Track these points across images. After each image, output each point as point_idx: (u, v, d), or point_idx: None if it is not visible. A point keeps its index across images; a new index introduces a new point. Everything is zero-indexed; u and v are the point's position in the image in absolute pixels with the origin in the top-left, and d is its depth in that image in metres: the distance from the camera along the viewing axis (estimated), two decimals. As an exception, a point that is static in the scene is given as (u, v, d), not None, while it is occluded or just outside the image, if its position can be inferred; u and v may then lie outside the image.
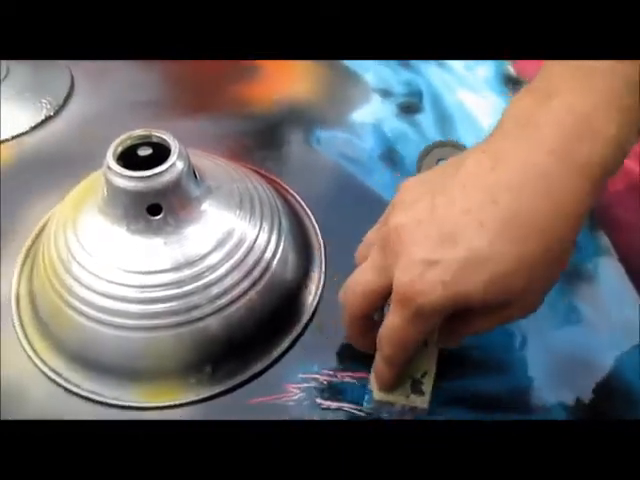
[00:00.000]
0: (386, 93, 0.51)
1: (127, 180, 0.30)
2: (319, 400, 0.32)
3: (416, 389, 0.31)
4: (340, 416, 0.32)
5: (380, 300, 0.29)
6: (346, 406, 0.32)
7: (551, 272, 0.28)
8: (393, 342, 0.28)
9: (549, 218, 0.27)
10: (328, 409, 0.32)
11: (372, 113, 0.49)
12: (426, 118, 0.49)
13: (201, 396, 0.32)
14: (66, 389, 0.33)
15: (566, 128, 0.27)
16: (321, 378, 0.33)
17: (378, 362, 0.30)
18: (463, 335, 0.31)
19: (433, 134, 0.47)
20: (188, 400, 0.32)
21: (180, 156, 0.32)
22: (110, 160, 0.31)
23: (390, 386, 0.30)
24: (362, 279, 0.29)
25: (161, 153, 0.32)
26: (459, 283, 0.26)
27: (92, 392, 0.32)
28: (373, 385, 0.31)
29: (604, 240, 0.40)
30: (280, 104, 0.49)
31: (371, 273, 0.29)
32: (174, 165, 0.31)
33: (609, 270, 0.39)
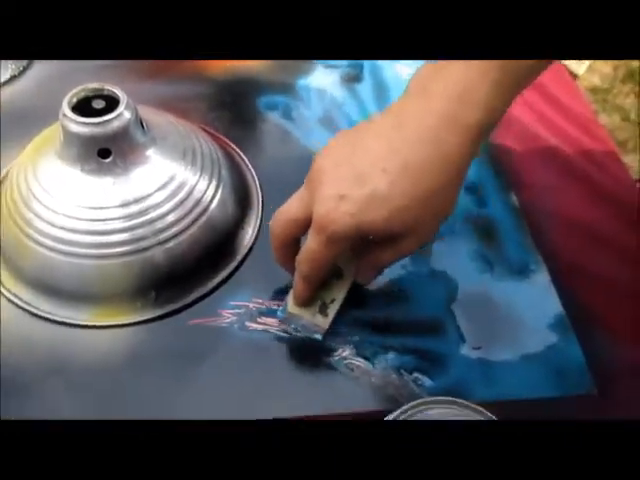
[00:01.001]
0: (330, 63, 0.55)
1: (80, 126, 0.35)
2: (248, 323, 0.38)
3: (322, 311, 0.37)
4: (265, 337, 0.37)
5: (301, 228, 0.35)
6: (270, 327, 0.37)
7: (439, 209, 0.34)
8: (309, 262, 0.34)
9: (438, 165, 0.32)
10: (255, 330, 0.37)
11: (316, 81, 0.54)
12: (365, 88, 0.54)
13: (145, 317, 0.37)
14: (27, 311, 0.37)
15: (452, 97, 0.32)
16: (251, 305, 0.38)
17: (296, 279, 0.36)
18: (373, 270, 0.36)
19: (370, 103, 0.52)
20: (133, 321, 0.37)
21: (128, 107, 0.36)
22: (65, 108, 0.35)
23: (302, 301, 0.36)
24: (287, 209, 0.35)
25: (113, 106, 0.37)
26: (363, 215, 0.32)
27: (49, 313, 0.37)
28: (289, 300, 0.37)
29: (513, 199, 0.46)
30: (233, 70, 0.53)
31: (295, 205, 0.35)
32: (122, 114, 0.36)
33: (512, 224, 0.44)
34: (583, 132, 0.53)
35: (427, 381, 0.36)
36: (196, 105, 0.50)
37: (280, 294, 0.39)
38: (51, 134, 0.39)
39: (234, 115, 0.50)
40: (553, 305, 0.41)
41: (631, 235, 0.45)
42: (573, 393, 0.37)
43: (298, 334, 0.37)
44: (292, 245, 0.36)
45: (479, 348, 0.38)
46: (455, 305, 0.40)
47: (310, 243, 0.33)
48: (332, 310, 0.37)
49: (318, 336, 0.37)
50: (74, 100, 0.36)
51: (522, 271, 0.42)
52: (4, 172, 0.43)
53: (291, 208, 0.35)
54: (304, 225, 0.34)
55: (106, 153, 0.36)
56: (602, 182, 0.49)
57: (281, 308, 0.37)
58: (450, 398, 0.29)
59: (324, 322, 0.37)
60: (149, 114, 0.40)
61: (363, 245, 0.35)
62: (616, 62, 1.40)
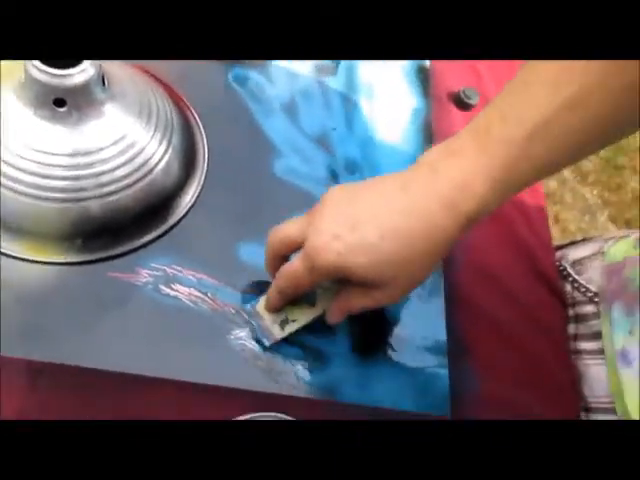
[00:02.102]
0: (309, 49, 0.57)
1: (40, 73, 0.36)
2: (161, 286, 0.41)
3: (282, 325, 0.41)
4: (174, 303, 0.41)
5: (293, 247, 0.39)
6: (181, 294, 0.41)
7: (415, 275, 0.38)
8: (288, 280, 0.38)
9: (424, 239, 0.36)
10: (168, 295, 0.41)
11: (290, 65, 0.55)
12: (336, 82, 0.56)
13: (68, 260, 0.40)
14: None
15: (455, 185, 0.36)
16: (168, 270, 0.42)
17: (272, 287, 0.40)
18: (344, 310, 0.40)
19: (336, 99, 0.55)
20: (58, 261, 0.40)
21: (92, 64, 0.38)
22: (31, 52, 0.37)
23: (270, 308, 0.41)
24: (287, 227, 0.39)
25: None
26: (349, 256, 0.36)
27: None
28: (261, 300, 0.41)
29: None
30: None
31: (295, 227, 0.38)
32: (85, 70, 0.38)
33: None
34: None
35: (307, 375, 0.41)
36: (168, 67, 0.52)
37: (200, 265, 0.42)
38: (17, 64, 0.40)
39: (202, 80, 0.52)
40: (438, 331, 0.46)
41: (534, 293, 0.50)
42: (429, 412, 0.42)
43: (254, 331, 0.41)
44: (281, 259, 0.40)
45: (361, 355, 0.43)
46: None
47: (295, 264, 0.37)
48: (289, 328, 0.41)
49: (267, 342, 0.41)
50: (42, 45, 0.37)
51: (422, 295, 0.47)
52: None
53: (291, 228, 0.39)
54: (297, 246, 0.38)
55: (61, 103, 0.38)
56: (520, 230, 0.53)
57: (252, 302, 0.41)
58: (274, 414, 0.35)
59: (278, 334, 0.41)
60: (113, 68, 0.42)
61: (342, 287, 0.39)
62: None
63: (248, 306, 0.42)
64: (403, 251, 0.36)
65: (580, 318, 0.50)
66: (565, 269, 0.53)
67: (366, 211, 0.36)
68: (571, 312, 0.51)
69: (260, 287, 0.42)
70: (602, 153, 1.46)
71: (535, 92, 0.35)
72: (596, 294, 0.50)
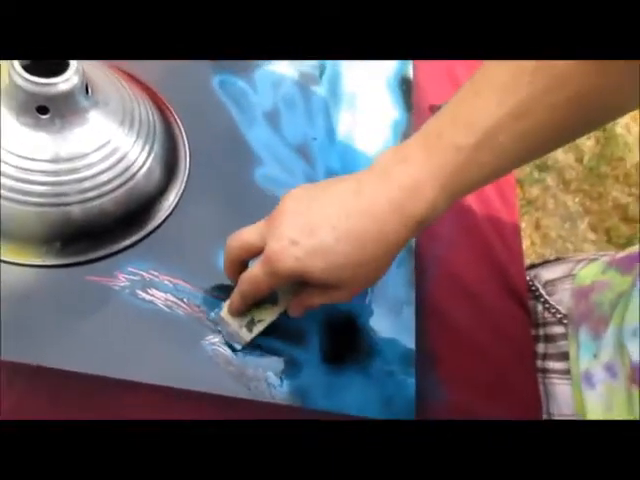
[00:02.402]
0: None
1: (24, 81, 0.37)
2: (138, 291, 0.42)
3: (249, 327, 0.42)
4: (150, 307, 0.42)
5: (252, 253, 0.40)
6: (156, 299, 0.42)
7: (369, 274, 0.40)
8: (250, 284, 0.39)
9: (376, 241, 0.38)
10: (144, 300, 0.42)
11: (275, 72, 0.56)
12: (318, 92, 0.57)
13: (47, 263, 0.41)
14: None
15: (404, 188, 0.37)
16: (145, 275, 0.43)
17: (234, 293, 0.41)
18: (304, 306, 0.42)
19: (318, 108, 0.56)
20: (36, 263, 0.41)
21: (77, 72, 0.39)
22: (15, 61, 0.37)
23: (235, 313, 0.42)
24: (246, 233, 0.40)
25: (63, 64, 0.39)
26: (307, 261, 0.37)
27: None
28: (225, 306, 0.42)
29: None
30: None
31: (254, 233, 0.40)
32: (69, 80, 0.38)
33: (401, 260, 0.50)
34: (496, 189, 0.58)
35: (277, 381, 0.42)
36: (154, 63, 0.52)
37: (176, 270, 0.43)
38: (2, 69, 0.41)
39: (186, 85, 0.52)
40: (407, 340, 0.47)
41: (503, 305, 0.52)
42: (394, 419, 0.44)
43: (223, 337, 0.42)
44: (240, 264, 0.41)
45: (331, 362, 0.44)
46: (325, 321, 0.45)
47: (256, 269, 0.39)
48: (257, 329, 0.42)
49: (238, 346, 0.42)
50: (26, 53, 0.38)
51: (393, 305, 0.48)
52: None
53: (250, 234, 0.40)
54: (256, 251, 0.39)
55: (45, 110, 0.39)
56: (493, 245, 0.55)
57: (215, 310, 0.43)
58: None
59: (247, 336, 0.42)
60: (97, 75, 0.43)
61: (302, 285, 0.40)
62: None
63: (212, 314, 0.43)
64: (357, 253, 0.37)
65: (549, 338, 0.52)
66: (537, 289, 0.54)
67: (321, 215, 0.38)
68: (541, 332, 0.53)
69: (227, 293, 0.43)
70: (585, 161, 1.48)
71: (484, 99, 0.36)
72: (565, 316, 0.51)
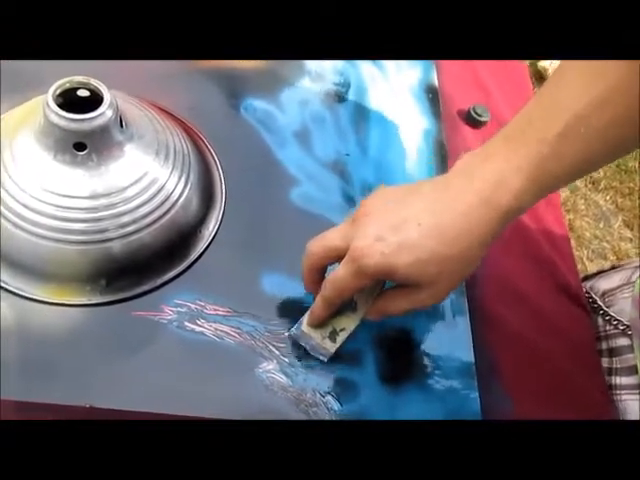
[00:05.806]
0: (319, 77, 0.57)
1: (59, 118, 0.37)
2: (186, 323, 0.41)
3: (332, 337, 0.41)
4: (200, 339, 0.41)
5: (335, 256, 0.39)
6: (206, 330, 0.41)
7: (455, 272, 0.38)
8: (334, 286, 0.38)
9: (465, 234, 0.37)
10: (192, 331, 0.41)
11: (300, 92, 0.56)
12: (346, 109, 0.56)
13: (92, 302, 0.40)
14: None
15: (490, 181, 0.37)
16: (192, 306, 0.42)
17: (317, 300, 0.40)
18: (384, 312, 0.40)
19: (347, 124, 0.55)
20: (80, 303, 0.40)
21: (111, 106, 0.38)
22: (49, 99, 0.37)
23: (316, 322, 0.41)
24: (328, 236, 0.39)
25: (97, 97, 0.39)
26: (393, 256, 0.36)
27: (5, 282, 0.40)
28: (305, 320, 0.41)
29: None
30: (223, 68, 0.55)
31: (337, 235, 0.39)
32: (103, 114, 0.38)
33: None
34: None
35: (336, 405, 0.40)
36: (181, 94, 0.52)
37: (222, 299, 0.42)
38: (34, 109, 0.41)
39: (215, 112, 0.52)
40: (465, 353, 0.45)
41: (559, 306, 0.50)
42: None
43: (308, 352, 0.41)
44: (321, 270, 0.40)
45: (389, 381, 0.42)
46: (378, 340, 0.44)
47: (340, 270, 0.38)
48: (340, 338, 0.41)
49: (323, 358, 0.41)
50: (58, 91, 0.38)
51: (446, 316, 0.46)
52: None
53: (333, 236, 0.39)
54: (338, 255, 0.38)
55: (82, 147, 0.38)
56: (541, 245, 0.53)
57: (295, 326, 0.41)
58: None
59: (331, 347, 0.41)
60: (130, 109, 0.42)
61: (382, 289, 0.39)
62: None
63: (293, 330, 0.41)
64: (445, 248, 0.36)
65: (614, 352, 0.49)
66: (595, 301, 0.52)
67: (407, 212, 0.37)
68: (604, 345, 0.50)
69: (290, 314, 0.42)
70: (612, 158, 1.45)
71: (564, 94, 0.36)
72: (628, 327, 0.49)
